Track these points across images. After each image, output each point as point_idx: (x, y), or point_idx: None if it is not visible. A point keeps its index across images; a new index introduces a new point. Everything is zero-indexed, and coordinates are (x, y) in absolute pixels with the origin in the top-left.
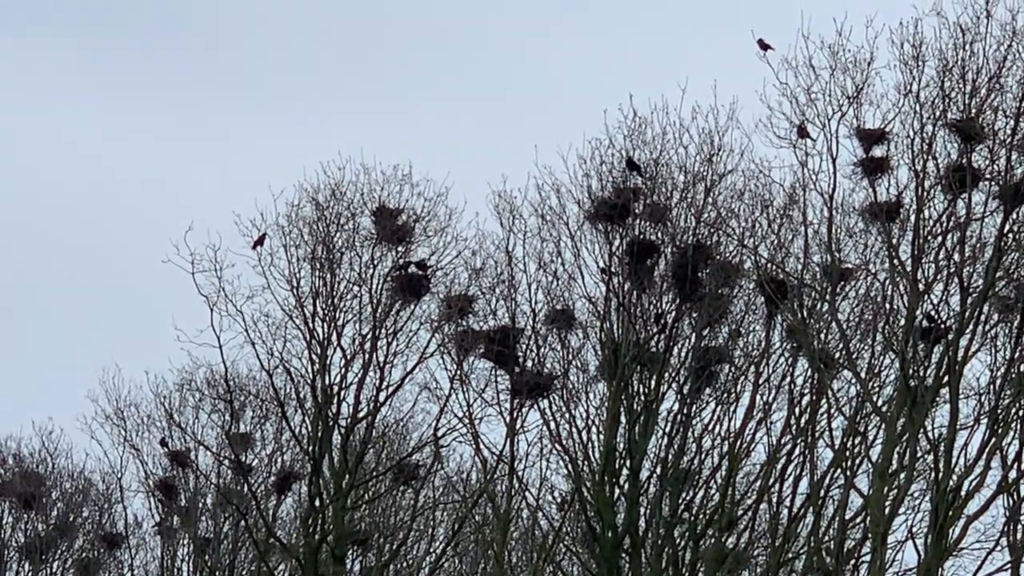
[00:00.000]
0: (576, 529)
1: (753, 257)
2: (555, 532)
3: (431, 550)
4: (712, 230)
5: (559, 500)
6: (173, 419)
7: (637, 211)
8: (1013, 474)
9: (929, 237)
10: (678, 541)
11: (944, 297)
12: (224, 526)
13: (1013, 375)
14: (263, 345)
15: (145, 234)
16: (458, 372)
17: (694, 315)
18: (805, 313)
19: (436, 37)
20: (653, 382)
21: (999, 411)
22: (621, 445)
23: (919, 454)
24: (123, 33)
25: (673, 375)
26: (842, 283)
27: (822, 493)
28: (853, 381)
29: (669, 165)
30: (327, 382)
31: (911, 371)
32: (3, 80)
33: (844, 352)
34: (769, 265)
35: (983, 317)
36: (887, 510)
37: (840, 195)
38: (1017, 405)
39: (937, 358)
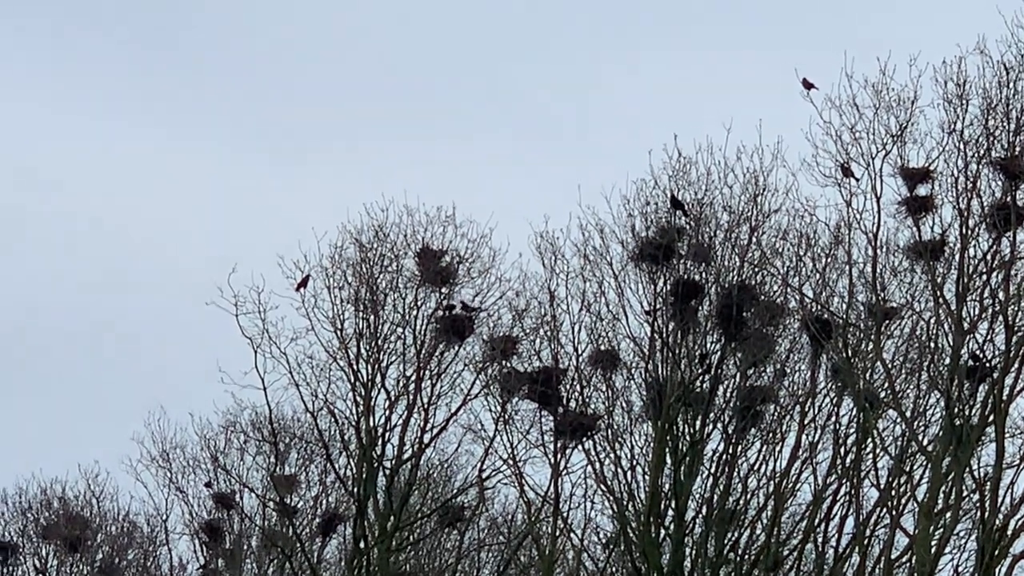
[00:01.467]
0: (621, 570)
1: (798, 296)
2: (600, 573)
3: None
4: (757, 270)
5: (604, 541)
6: (218, 461)
7: (681, 251)
8: None
9: (974, 275)
10: None
11: (989, 335)
12: (269, 569)
13: None
14: (307, 387)
15: (189, 276)
16: (502, 413)
17: (739, 355)
18: (850, 352)
19: (480, 78)
20: (698, 422)
21: None
22: (666, 486)
23: (965, 493)
24: (167, 72)
25: (718, 415)
26: (887, 322)
27: (868, 533)
28: (898, 420)
29: (713, 205)
30: (371, 424)
31: (956, 410)
32: (47, 118)
33: (889, 391)
34: (814, 304)
35: None
36: (933, 550)
37: (884, 234)
38: None
39: (982, 397)
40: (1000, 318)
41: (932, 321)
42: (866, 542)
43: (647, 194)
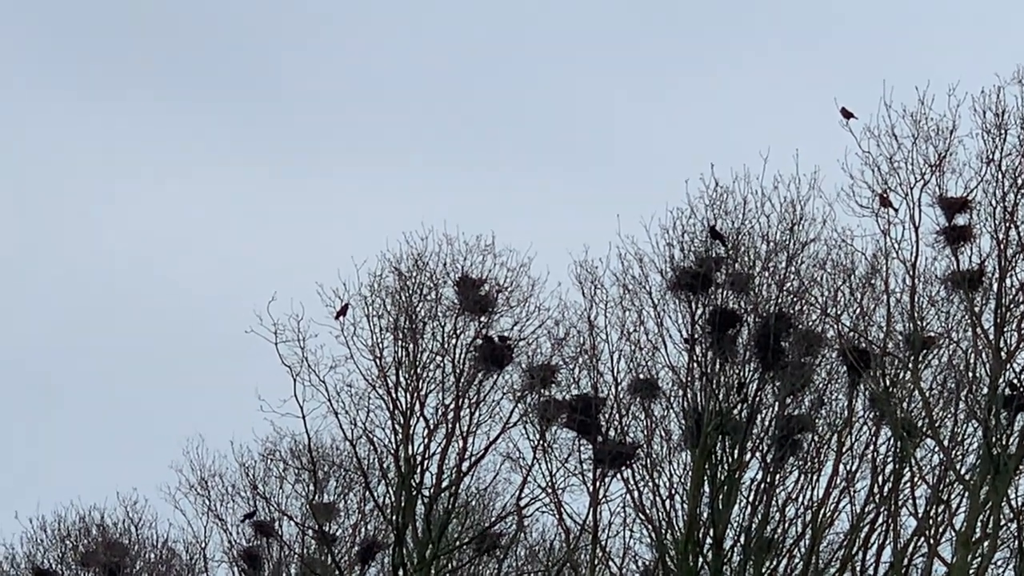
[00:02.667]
0: None
1: (836, 326)
2: None
3: None
4: (794, 299)
5: (642, 570)
6: (257, 489)
7: (719, 280)
8: None
9: (1011, 305)
10: None
11: None
12: None
13: None
14: (346, 415)
15: (228, 305)
16: (541, 442)
17: (777, 384)
18: (888, 382)
19: (519, 106)
20: (736, 451)
21: None
22: (704, 514)
23: (1003, 522)
24: (200, 97)
25: (756, 444)
26: (925, 352)
27: (905, 562)
28: (936, 449)
29: (751, 234)
30: (410, 452)
31: (994, 439)
32: (81, 143)
33: (927, 420)
34: (852, 334)
35: None
36: None
37: (922, 264)
38: None
39: (1020, 426)
40: None
41: (970, 350)
42: (904, 571)
43: (684, 223)
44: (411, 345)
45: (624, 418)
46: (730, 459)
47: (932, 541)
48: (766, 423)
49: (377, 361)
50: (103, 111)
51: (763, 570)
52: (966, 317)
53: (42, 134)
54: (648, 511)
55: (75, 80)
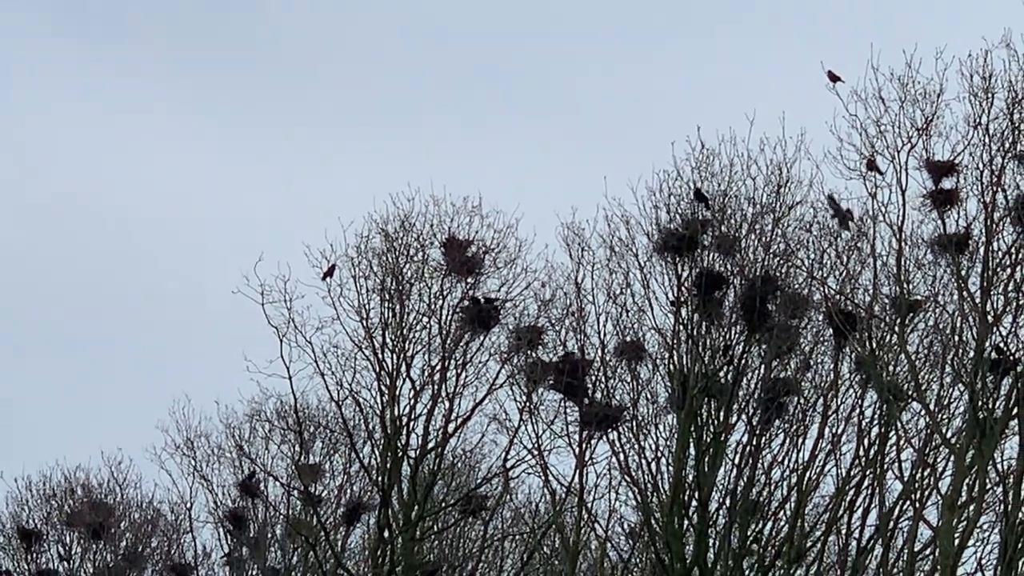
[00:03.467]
0: (645, 560)
1: (822, 289)
2: (624, 564)
3: None
4: (781, 262)
5: (628, 531)
6: (243, 450)
7: (705, 243)
8: None
9: (998, 269)
10: (747, 573)
11: (1013, 329)
12: (293, 557)
13: None
14: (332, 376)
15: (215, 265)
16: (527, 404)
17: (763, 347)
18: (874, 345)
19: (506, 68)
20: (722, 414)
21: None
22: (690, 477)
23: (988, 486)
24: (193, 60)
25: (742, 407)
26: (911, 315)
27: (891, 525)
28: (922, 413)
29: (737, 197)
30: (396, 413)
31: (980, 403)
32: (75, 108)
33: (913, 384)
34: (838, 297)
35: None
36: (956, 542)
37: (909, 227)
38: None
39: (1006, 390)
40: None
41: (956, 314)
42: (889, 534)
43: (670, 185)
44: (397, 306)
45: (610, 380)
46: (716, 422)
47: (918, 505)
48: (752, 386)
49: (363, 322)
50: (103, 62)
51: (748, 533)
52: (952, 280)
53: (42, 82)
54: (634, 473)
55: (78, 29)
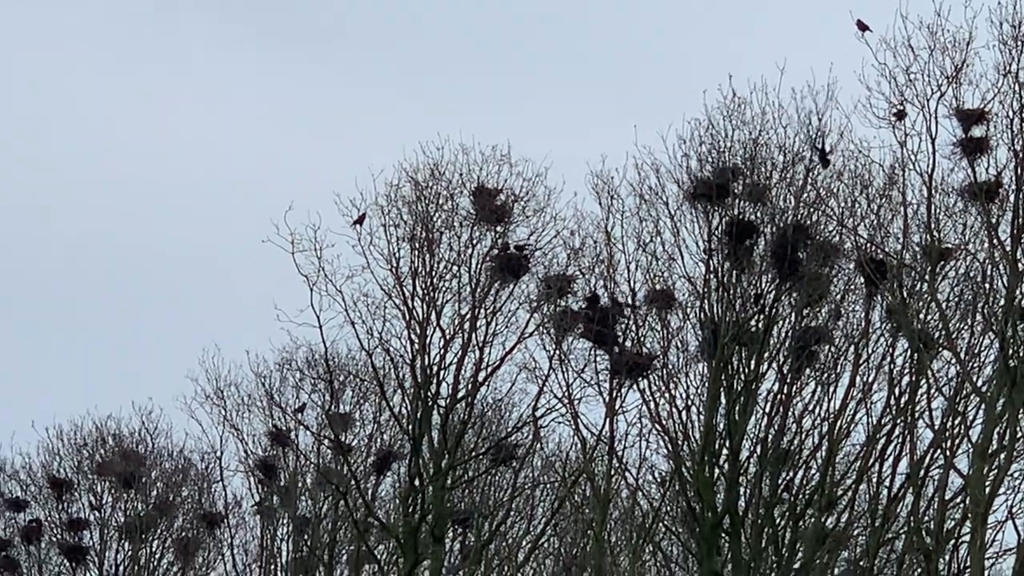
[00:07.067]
0: (676, 509)
1: (852, 237)
2: (655, 512)
3: (530, 530)
4: (811, 210)
5: (659, 480)
6: (273, 399)
7: (736, 191)
8: None
9: None
10: (778, 521)
11: None
12: (323, 506)
13: None
14: (363, 325)
15: (244, 214)
16: (557, 352)
17: (793, 295)
18: (905, 293)
19: (536, 19)
20: (753, 362)
21: None
22: (721, 425)
23: (1019, 434)
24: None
25: (773, 355)
26: (941, 263)
27: (922, 473)
28: (953, 361)
29: (768, 145)
30: (426, 362)
31: (1011, 351)
32: (111, 63)
33: (944, 332)
34: (868, 245)
35: None
36: (987, 490)
37: (939, 175)
38: None
39: None
40: None
41: (987, 262)
42: (920, 483)
43: (701, 134)
44: (427, 255)
45: (640, 329)
46: (747, 370)
47: (948, 453)
48: (783, 334)
49: (393, 271)
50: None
51: (779, 481)
52: (983, 229)
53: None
54: (664, 422)
55: None
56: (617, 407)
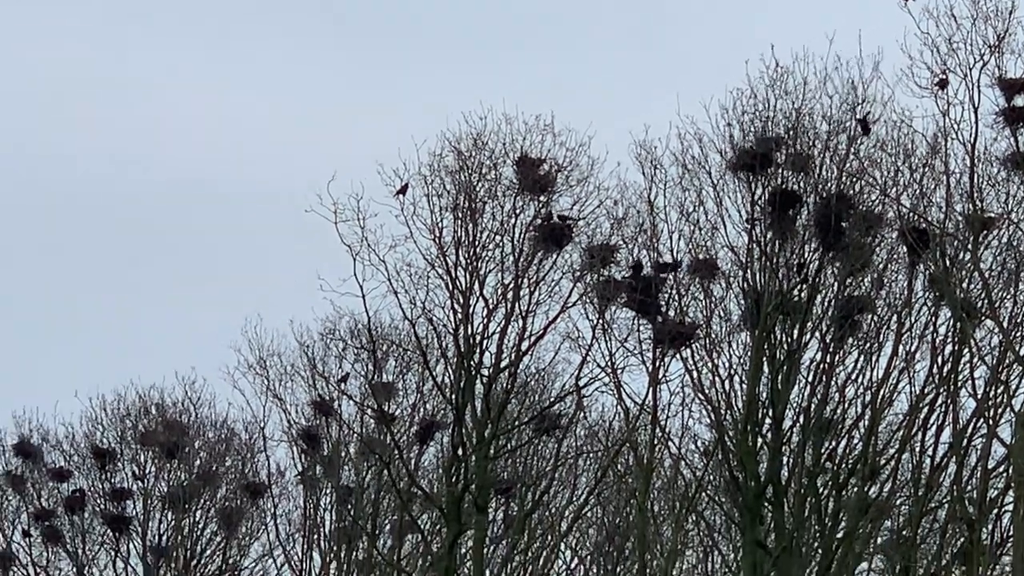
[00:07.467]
0: (719, 478)
1: (895, 207)
2: (698, 481)
3: (573, 499)
4: (854, 180)
5: (702, 449)
6: (316, 369)
7: (779, 161)
8: None
9: None
10: (820, 490)
11: None
12: (367, 475)
13: None
14: (406, 295)
15: (287, 184)
16: (600, 321)
17: (837, 264)
18: (947, 262)
19: None
20: (796, 331)
21: None
22: (764, 394)
23: None
24: None
25: (816, 324)
26: (984, 232)
27: (965, 442)
28: (996, 330)
29: (812, 115)
30: (470, 331)
31: None
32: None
33: (987, 301)
34: (911, 215)
35: None
36: None
37: (982, 144)
38: None
39: None
40: None
41: None
42: (963, 452)
43: (744, 104)
44: (470, 224)
45: (683, 298)
46: (790, 339)
47: (991, 422)
48: (826, 303)
49: (437, 240)
50: None
51: (822, 450)
52: None
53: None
54: (707, 391)
55: None
56: (660, 376)
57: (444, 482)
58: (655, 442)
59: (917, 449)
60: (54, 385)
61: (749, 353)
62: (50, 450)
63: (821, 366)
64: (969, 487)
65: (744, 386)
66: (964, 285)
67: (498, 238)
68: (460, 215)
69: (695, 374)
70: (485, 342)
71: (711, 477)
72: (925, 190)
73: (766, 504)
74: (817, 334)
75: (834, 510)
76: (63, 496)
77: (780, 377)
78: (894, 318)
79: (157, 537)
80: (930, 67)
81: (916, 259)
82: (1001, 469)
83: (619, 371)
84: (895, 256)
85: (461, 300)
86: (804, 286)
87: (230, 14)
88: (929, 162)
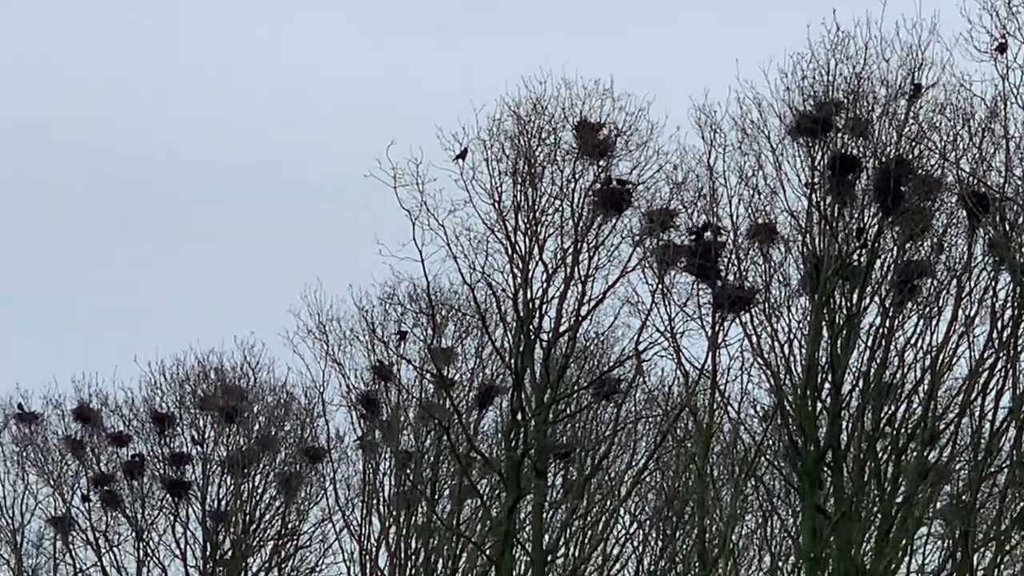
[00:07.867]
0: (778, 443)
1: (955, 171)
2: (757, 446)
3: (632, 464)
4: (914, 144)
5: (761, 414)
6: (375, 333)
7: (839, 125)
8: None
9: None
10: (880, 455)
11: None
12: (426, 440)
13: None
14: (465, 259)
15: (347, 148)
16: (659, 286)
17: (896, 229)
18: (1007, 227)
19: None
20: (855, 296)
21: None
22: (823, 359)
23: None
24: None
25: (875, 289)
26: None
27: None
28: None
29: (871, 79)
30: (529, 296)
31: None
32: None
33: None
34: (971, 179)
35: None
36: None
37: None
38: None
39: None
40: None
41: None
42: (1023, 416)
43: (804, 68)
44: (530, 189)
45: (743, 263)
46: (849, 304)
47: None
48: (885, 268)
49: (496, 205)
50: None
51: (881, 415)
52: None
53: None
54: (766, 356)
55: None
56: (719, 341)
57: (503, 447)
58: (714, 407)
59: (977, 414)
60: (113, 350)
61: (808, 318)
62: (109, 415)
63: (880, 331)
64: None
65: (803, 351)
66: None
67: (557, 203)
68: (519, 180)
69: (754, 339)
70: (544, 307)
71: (770, 442)
72: (984, 154)
73: (825, 469)
74: (876, 299)
75: (893, 475)
76: (122, 461)
77: (839, 342)
78: (954, 282)
79: (216, 502)
80: (989, 31)
81: (976, 223)
82: None
83: (678, 336)
84: (954, 220)
85: (520, 265)
86: (864, 251)
87: None
88: (988, 126)
